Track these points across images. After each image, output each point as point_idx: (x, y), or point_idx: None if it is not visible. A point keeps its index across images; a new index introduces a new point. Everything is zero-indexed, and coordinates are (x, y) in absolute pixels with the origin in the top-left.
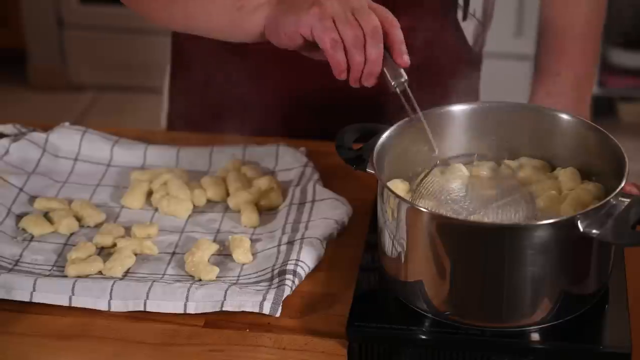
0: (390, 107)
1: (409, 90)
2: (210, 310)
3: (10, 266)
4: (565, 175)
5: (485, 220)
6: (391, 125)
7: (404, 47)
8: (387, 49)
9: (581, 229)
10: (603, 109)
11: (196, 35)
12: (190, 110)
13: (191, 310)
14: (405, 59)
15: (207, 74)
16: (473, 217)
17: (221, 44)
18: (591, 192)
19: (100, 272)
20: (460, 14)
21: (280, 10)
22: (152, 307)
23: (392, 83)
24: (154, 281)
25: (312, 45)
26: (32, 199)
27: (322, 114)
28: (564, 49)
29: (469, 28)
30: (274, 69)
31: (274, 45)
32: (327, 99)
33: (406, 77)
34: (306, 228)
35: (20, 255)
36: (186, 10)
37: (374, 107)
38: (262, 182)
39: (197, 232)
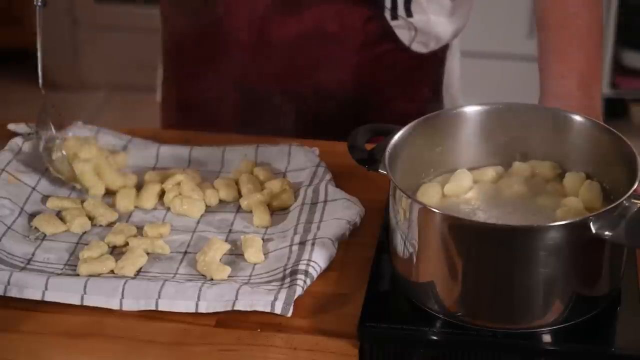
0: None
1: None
2: (222, 310)
3: (22, 265)
4: (575, 181)
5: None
6: (404, 126)
7: None
8: None
9: (593, 231)
10: (615, 110)
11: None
12: (189, 112)
13: (202, 309)
14: None
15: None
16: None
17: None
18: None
19: (112, 271)
20: (388, 14)
21: None
22: (163, 307)
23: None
24: (166, 280)
25: None
26: (45, 198)
27: (334, 115)
28: (563, 50)
29: (401, 28)
30: (289, 68)
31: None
32: (340, 100)
33: None
34: (318, 228)
35: (33, 254)
36: None
37: (386, 108)
38: (275, 185)
39: (209, 232)
